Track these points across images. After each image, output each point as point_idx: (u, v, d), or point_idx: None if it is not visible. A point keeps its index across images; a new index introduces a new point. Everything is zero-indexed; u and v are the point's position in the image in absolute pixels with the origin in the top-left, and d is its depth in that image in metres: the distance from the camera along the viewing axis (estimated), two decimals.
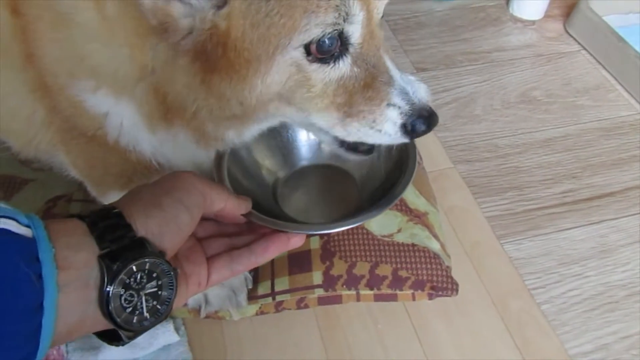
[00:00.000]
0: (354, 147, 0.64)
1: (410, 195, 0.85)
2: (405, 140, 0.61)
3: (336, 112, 0.59)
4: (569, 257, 0.89)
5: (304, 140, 0.83)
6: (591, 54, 1.29)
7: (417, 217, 0.83)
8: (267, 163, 0.84)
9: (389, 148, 0.67)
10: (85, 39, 0.59)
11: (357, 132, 0.60)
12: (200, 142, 0.69)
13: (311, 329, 0.78)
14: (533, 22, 1.39)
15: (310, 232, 0.77)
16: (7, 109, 0.69)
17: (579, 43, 1.32)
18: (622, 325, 0.81)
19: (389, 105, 0.59)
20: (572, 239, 0.92)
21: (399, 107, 0.59)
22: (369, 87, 0.58)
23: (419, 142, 0.99)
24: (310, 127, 0.65)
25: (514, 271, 0.87)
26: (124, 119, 0.66)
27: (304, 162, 0.85)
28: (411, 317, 0.80)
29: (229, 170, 0.75)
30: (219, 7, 0.52)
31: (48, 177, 0.81)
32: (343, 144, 0.64)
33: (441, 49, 1.30)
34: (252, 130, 0.68)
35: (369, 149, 0.65)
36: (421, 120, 0.59)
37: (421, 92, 0.61)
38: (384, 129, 0.59)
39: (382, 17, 0.61)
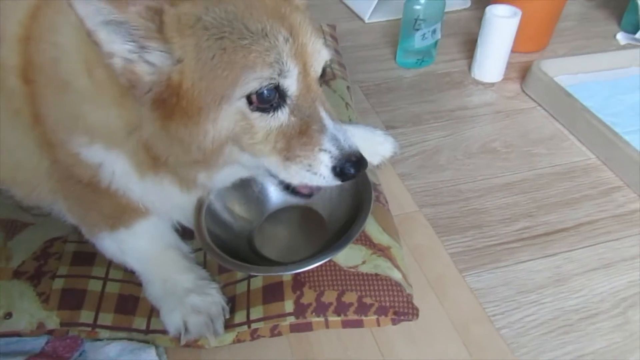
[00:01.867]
0: (294, 191, 0.74)
1: (375, 232, 0.94)
2: (337, 182, 0.69)
3: (277, 156, 0.68)
4: (526, 286, 0.96)
5: (273, 188, 0.92)
6: (545, 110, 1.42)
7: (381, 250, 0.91)
8: (242, 213, 0.94)
9: (349, 190, 0.82)
10: (80, 101, 0.70)
11: (297, 175, 0.69)
12: (182, 186, 0.79)
13: (285, 356, 0.84)
14: (493, 84, 1.53)
15: (279, 273, 0.86)
16: (15, 162, 0.80)
17: (534, 100, 1.45)
18: (576, 345, 0.87)
19: (320, 150, 0.67)
20: (529, 270, 0.99)
21: (330, 152, 0.67)
22: (304, 134, 0.67)
23: (385, 188, 1.10)
24: (263, 173, 0.73)
25: (475, 300, 0.93)
26: (116, 168, 0.76)
27: (275, 207, 0.96)
28: (378, 344, 0.86)
29: (208, 227, 0.86)
30: (177, 62, 0.63)
31: (46, 220, 0.91)
32: (287, 187, 0.73)
33: (409, 109, 1.43)
34: (222, 175, 0.76)
35: (310, 193, 0.75)
36: (350, 164, 0.67)
37: (352, 140, 0.68)
38: (319, 171, 0.68)
39: (322, 75, 0.71)
